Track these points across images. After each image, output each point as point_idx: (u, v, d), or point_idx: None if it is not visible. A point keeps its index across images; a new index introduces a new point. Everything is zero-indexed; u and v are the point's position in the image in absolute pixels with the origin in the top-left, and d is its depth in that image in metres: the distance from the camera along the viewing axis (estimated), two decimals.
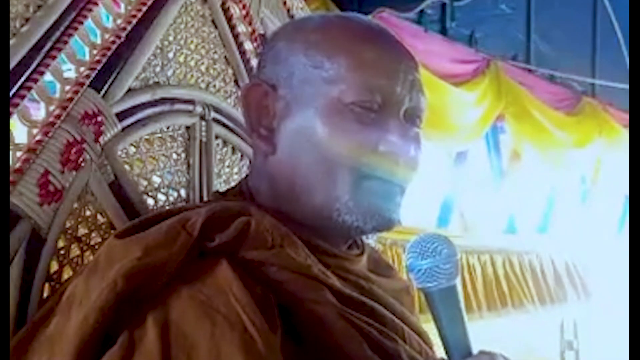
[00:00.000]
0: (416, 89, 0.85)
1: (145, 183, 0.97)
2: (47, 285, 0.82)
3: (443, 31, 4.06)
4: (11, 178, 0.78)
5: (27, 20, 0.83)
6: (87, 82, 0.88)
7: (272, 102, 0.85)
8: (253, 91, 0.87)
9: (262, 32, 1.16)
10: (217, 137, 1.07)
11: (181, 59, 1.03)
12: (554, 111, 4.75)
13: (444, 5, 4.05)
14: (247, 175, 0.93)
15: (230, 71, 1.11)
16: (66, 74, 0.86)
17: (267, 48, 0.91)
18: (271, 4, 1.19)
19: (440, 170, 4.16)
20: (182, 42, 1.03)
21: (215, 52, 1.09)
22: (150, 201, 0.96)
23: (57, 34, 0.86)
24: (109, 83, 0.91)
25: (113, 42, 0.91)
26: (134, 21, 0.95)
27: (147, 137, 0.97)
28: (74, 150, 0.85)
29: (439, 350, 0.83)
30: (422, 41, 3.70)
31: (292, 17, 1.22)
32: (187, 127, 1.03)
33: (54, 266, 0.84)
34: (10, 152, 0.79)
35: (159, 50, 0.99)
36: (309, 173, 0.82)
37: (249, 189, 0.89)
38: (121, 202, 0.91)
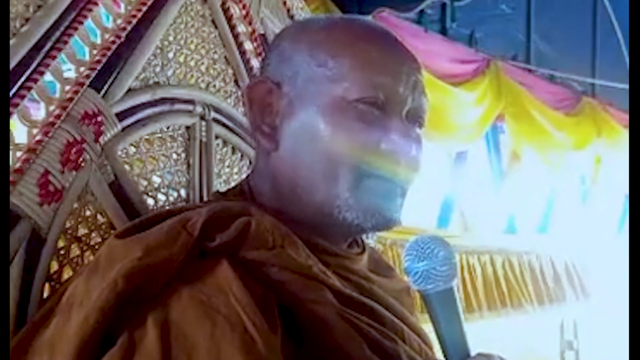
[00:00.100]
0: (419, 90, 0.85)
1: (145, 183, 0.97)
2: (47, 285, 0.82)
3: (443, 31, 4.06)
4: (11, 178, 0.78)
5: (27, 20, 0.83)
6: (87, 82, 0.88)
7: (276, 99, 0.85)
8: (257, 88, 0.87)
9: (262, 32, 1.16)
10: (217, 137, 1.07)
11: (181, 59, 1.03)
12: (554, 111, 4.75)
13: (444, 5, 4.04)
14: (248, 175, 0.93)
15: (230, 71, 1.11)
16: (66, 74, 0.86)
17: (272, 47, 0.92)
18: (271, 4, 1.19)
19: (440, 170, 4.16)
20: (182, 42, 1.03)
21: (215, 52, 1.09)
22: (150, 201, 0.97)
23: (57, 34, 0.86)
24: (109, 83, 0.91)
25: (113, 42, 0.91)
26: (134, 21, 0.95)
27: (147, 137, 0.97)
28: (74, 150, 0.85)
29: (439, 352, 0.83)
30: (422, 41, 3.70)
31: (292, 17, 1.22)
32: (187, 127, 1.03)
33: (54, 266, 0.84)
34: (10, 152, 0.79)
35: (159, 50, 0.99)
36: (310, 170, 0.83)
37: (250, 189, 0.89)
38: (121, 202, 0.91)
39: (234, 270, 0.71)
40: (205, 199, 1.03)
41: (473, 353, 0.79)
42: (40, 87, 0.83)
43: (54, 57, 0.84)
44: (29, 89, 0.81)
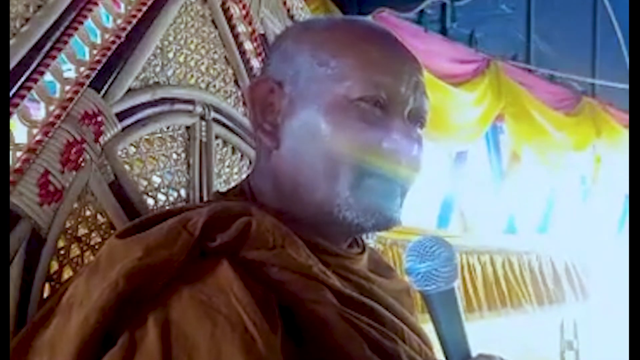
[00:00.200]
0: (420, 90, 0.86)
1: (145, 183, 0.97)
2: (47, 285, 0.82)
3: (443, 31, 4.06)
4: (11, 178, 0.78)
5: (27, 20, 0.83)
6: (87, 82, 0.88)
7: (278, 98, 0.86)
8: (259, 87, 0.87)
9: (262, 32, 1.16)
10: (217, 137, 1.07)
11: (181, 59, 1.03)
12: (554, 111, 4.74)
13: (444, 5, 4.04)
14: (248, 176, 0.93)
15: (230, 71, 1.11)
16: (66, 74, 0.86)
17: (274, 48, 0.93)
18: (271, 4, 1.19)
19: (440, 170, 4.16)
20: (182, 42, 1.03)
21: (215, 52, 1.09)
22: (150, 201, 0.97)
23: (57, 34, 0.86)
24: (109, 83, 0.91)
25: (113, 42, 0.91)
26: (134, 21, 0.95)
27: (147, 137, 0.97)
28: (74, 150, 0.85)
29: (439, 352, 0.83)
30: (422, 41, 3.70)
31: (292, 17, 1.22)
32: (187, 127, 1.03)
33: (54, 266, 0.84)
34: (10, 152, 0.78)
35: (159, 50, 0.99)
36: (311, 169, 0.83)
37: (251, 189, 0.89)
38: (121, 202, 0.91)
39: (234, 270, 0.71)
40: (205, 199, 1.03)
41: (474, 354, 0.79)
42: (40, 87, 0.83)
43: (54, 57, 0.84)
44: (29, 89, 0.81)
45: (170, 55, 1.01)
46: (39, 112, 0.83)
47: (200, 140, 1.04)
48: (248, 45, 1.13)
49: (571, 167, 5.02)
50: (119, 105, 0.92)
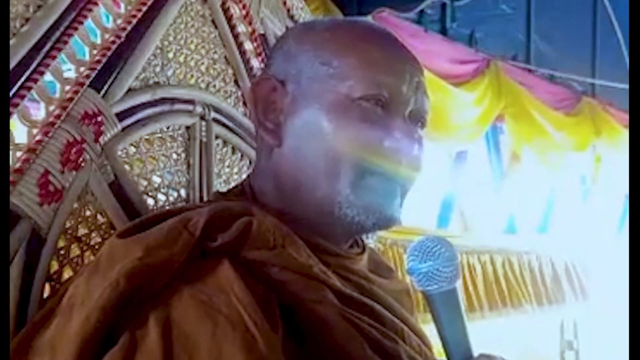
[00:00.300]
0: (421, 90, 0.86)
1: (145, 183, 0.96)
2: (47, 285, 0.82)
3: (443, 31, 4.06)
4: (11, 178, 0.78)
5: (27, 20, 0.83)
6: (87, 82, 0.87)
7: (280, 97, 0.86)
8: (262, 85, 0.88)
9: (262, 32, 1.16)
10: (217, 137, 1.07)
11: (181, 59, 1.03)
12: (554, 111, 4.74)
13: (444, 5, 4.04)
14: (248, 176, 0.93)
15: (230, 71, 1.11)
16: (66, 74, 0.86)
17: (276, 47, 0.93)
18: (271, 4, 1.19)
19: (440, 170, 4.16)
20: (182, 42, 1.03)
21: (215, 52, 1.09)
22: (150, 201, 0.96)
23: (57, 34, 0.86)
24: (109, 83, 0.91)
25: (113, 42, 0.91)
26: (134, 21, 0.95)
27: (147, 137, 0.97)
28: (74, 150, 0.85)
29: (439, 352, 0.83)
30: (422, 41, 3.70)
31: (292, 17, 1.22)
32: (187, 127, 1.03)
33: (54, 266, 0.84)
34: (10, 152, 0.78)
35: (159, 50, 0.99)
36: (313, 168, 0.83)
37: (252, 189, 0.89)
38: (121, 202, 0.91)
39: (235, 270, 0.71)
40: (205, 199, 1.03)
41: (475, 353, 0.79)
42: (40, 87, 0.82)
43: (54, 57, 0.84)
44: (29, 89, 0.81)
45: (170, 55, 1.01)
46: (39, 112, 0.83)
47: (200, 140, 1.04)
48: (248, 45, 1.13)
49: (571, 167, 5.02)
50: (119, 105, 0.92)
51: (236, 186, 0.94)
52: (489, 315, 3.85)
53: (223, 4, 1.10)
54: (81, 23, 0.88)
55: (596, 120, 5.12)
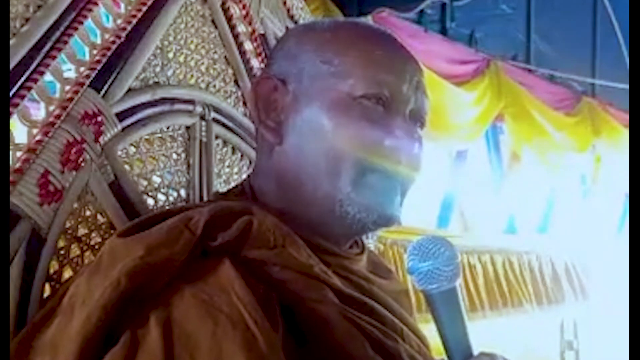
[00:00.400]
0: (421, 90, 0.87)
1: (145, 183, 0.96)
2: (47, 285, 0.82)
3: (443, 31, 4.06)
4: (11, 178, 0.78)
5: (27, 20, 0.83)
6: (87, 82, 0.87)
7: (281, 95, 0.86)
8: (263, 84, 0.88)
9: (262, 32, 1.16)
10: (217, 137, 1.07)
11: (181, 59, 1.03)
12: (554, 111, 4.75)
13: (444, 5, 4.05)
14: (248, 176, 0.93)
15: (230, 71, 1.11)
16: (66, 74, 0.86)
17: (277, 47, 0.94)
18: (271, 4, 1.19)
19: (440, 169, 4.16)
20: (182, 42, 1.03)
21: (215, 52, 1.09)
22: (150, 201, 0.96)
23: (57, 34, 0.85)
24: (109, 83, 0.91)
25: (113, 42, 0.91)
26: (134, 21, 0.95)
27: (147, 137, 0.97)
28: (74, 150, 0.85)
29: (439, 352, 0.83)
30: (422, 41, 3.70)
31: (292, 17, 1.22)
32: (187, 127, 1.03)
33: (54, 266, 0.84)
34: (10, 152, 0.78)
35: (159, 50, 0.99)
36: (314, 166, 0.83)
37: (252, 189, 0.89)
38: (121, 202, 0.91)
39: (235, 270, 0.71)
40: (205, 199, 1.03)
41: (476, 352, 0.79)
42: (40, 87, 0.82)
43: (54, 57, 0.84)
44: (29, 89, 0.81)
45: (170, 55, 1.01)
46: (39, 112, 0.83)
47: (200, 140, 1.04)
48: (248, 45, 1.13)
49: (571, 167, 5.03)
50: (119, 105, 0.92)
51: (236, 186, 0.94)
52: (489, 315, 3.85)
53: (223, 4, 1.10)
54: (81, 23, 0.88)
55: (596, 120, 5.13)
